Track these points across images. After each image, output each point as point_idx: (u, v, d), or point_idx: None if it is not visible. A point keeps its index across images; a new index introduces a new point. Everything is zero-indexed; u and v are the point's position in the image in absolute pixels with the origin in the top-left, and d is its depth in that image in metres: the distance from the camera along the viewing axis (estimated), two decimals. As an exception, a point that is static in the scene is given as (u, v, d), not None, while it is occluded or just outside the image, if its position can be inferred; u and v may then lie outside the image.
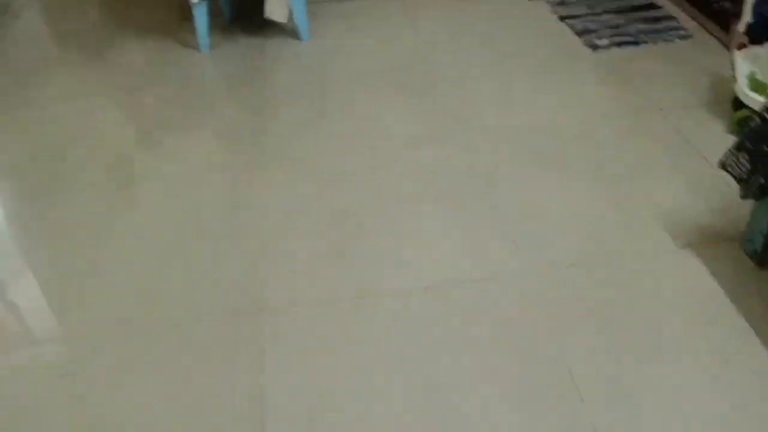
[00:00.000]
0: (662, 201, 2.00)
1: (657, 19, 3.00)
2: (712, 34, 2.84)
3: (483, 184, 2.13)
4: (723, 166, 1.72)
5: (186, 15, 3.10)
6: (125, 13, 3.47)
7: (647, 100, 2.46)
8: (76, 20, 3.47)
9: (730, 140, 1.74)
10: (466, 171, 2.19)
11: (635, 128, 2.32)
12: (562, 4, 3.20)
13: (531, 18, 3.10)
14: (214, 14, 3.10)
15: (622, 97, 2.49)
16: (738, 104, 2.23)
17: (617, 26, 2.97)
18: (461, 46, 2.92)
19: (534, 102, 2.50)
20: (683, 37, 2.86)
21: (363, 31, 3.11)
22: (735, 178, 1.69)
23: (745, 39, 2.35)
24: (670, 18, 3.01)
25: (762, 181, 1.61)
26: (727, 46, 2.67)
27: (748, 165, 1.64)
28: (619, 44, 2.84)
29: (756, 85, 2.18)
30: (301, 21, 3.05)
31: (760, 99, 2.09)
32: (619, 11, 3.10)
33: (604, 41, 2.86)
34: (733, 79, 2.25)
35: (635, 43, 2.84)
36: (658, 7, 3.10)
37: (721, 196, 1.99)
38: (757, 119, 1.65)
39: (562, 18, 3.07)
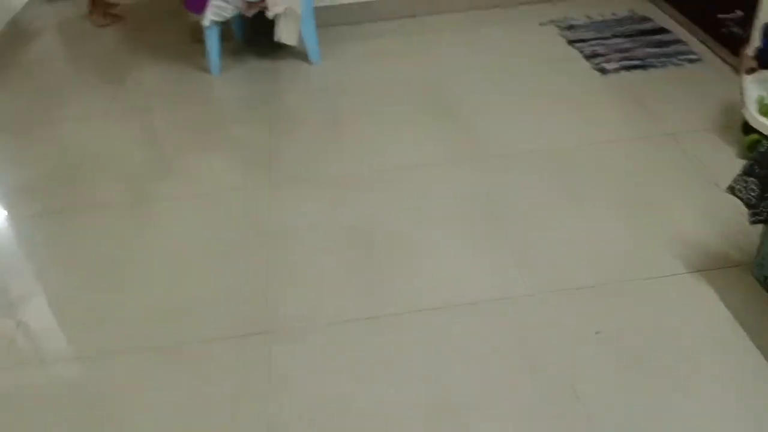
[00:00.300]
0: (673, 226, 1.99)
1: (666, 43, 3.01)
2: (721, 58, 2.84)
3: (496, 206, 2.13)
4: (732, 191, 1.71)
5: (198, 38, 3.16)
6: (139, 37, 3.54)
7: (657, 125, 2.46)
8: (92, 44, 3.55)
9: (741, 165, 1.74)
10: (479, 193, 2.19)
11: (646, 153, 2.32)
12: (570, 28, 3.22)
13: (542, 42, 3.12)
14: (225, 37, 3.15)
15: (632, 121, 2.50)
16: (748, 129, 2.23)
17: (626, 50, 2.98)
18: (473, 69, 2.94)
19: (544, 126, 2.51)
20: (693, 61, 2.86)
21: (374, 55, 3.15)
22: (744, 203, 1.68)
23: (754, 63, 2.35)
24: (679, 42, 3.01)
25: (772, 206, 1.60)
26: (736, 71, 2.67)
27: (757, 190, 1.63)
28: (628, 68, 2.85)
29: (765, 110, 2.18)
30: (311, 44, 3.09)
31: (770, 123, 2.10)
32: (628, 35, 3.11)
33: (613, 65, 2.88)
34: (743, 103, 2.26)
35: (644, 67, 2.85)
36: (668, 31, 3.11)
37: (732, 221, 1.97)
38: (766, 144, 1.65)
39: (571, 42, 3.10)
